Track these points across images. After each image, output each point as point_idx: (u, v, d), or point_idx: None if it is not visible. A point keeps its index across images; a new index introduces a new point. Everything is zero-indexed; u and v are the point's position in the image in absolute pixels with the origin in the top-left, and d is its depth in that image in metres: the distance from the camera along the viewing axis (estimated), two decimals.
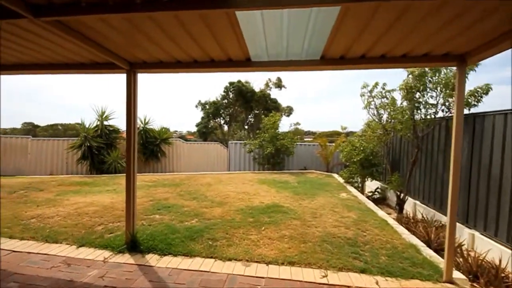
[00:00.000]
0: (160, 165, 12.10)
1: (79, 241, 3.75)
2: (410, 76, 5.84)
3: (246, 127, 23.99)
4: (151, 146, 11.55)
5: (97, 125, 11.00)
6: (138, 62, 3.54)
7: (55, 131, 37.30)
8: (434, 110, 5.80)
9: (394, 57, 3.12)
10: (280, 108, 22.42)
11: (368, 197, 7.40)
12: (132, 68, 3.55)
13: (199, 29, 2.58)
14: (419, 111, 5.96)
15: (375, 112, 7.29)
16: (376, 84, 7.09)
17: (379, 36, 2.58)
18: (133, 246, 3.56)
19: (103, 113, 11.03)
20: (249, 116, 22.98)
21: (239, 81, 21.00)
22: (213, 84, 73.33)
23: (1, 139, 11.04)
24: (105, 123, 11.09)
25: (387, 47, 2.87)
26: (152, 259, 3.34)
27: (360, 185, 8.63)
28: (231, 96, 21.70)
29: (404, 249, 3.70)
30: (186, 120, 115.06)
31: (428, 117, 5.90)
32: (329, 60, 3.20)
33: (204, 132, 23.49)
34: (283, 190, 7.26)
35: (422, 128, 6.11)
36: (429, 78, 5.59)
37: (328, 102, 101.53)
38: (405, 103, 6.27)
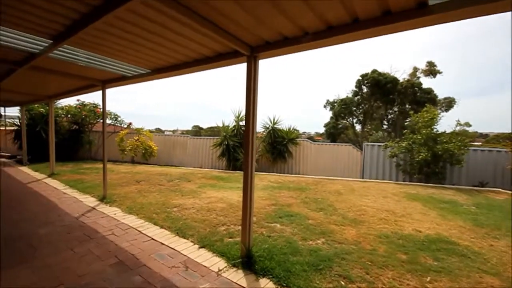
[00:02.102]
0: (286, 166, 11.92)
1: (202, 240, 3.65)
2: None
3: (385, 126, 20.34)
4: (279, 146, 11.55)
5: (234, 126, 12.19)
6: (260, 44, 2.96)
7: (213, 132, 46.57)
8: None
9: None
10: (436, 101, 17.31)
11: None
12: (253, 53, 3.02)
13: None
14: None
15: None
16: None
17: None
18: (248, 262, 3.02)
19: (239, 114, 12.09)
20: (389, 113, 19.27)
21: (374, 71, 17.98)
22: (342, 81, 68.84)
23: (171, 137, 14.46)
24: (241, 123, 12.08)
25: None
26: None
27: None
28: (364, 90, 19.00)
29: None
30: (316, 121, 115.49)
31: None
32: None
33: (333, 133, 21.94)
34: (452, 216, 4.96)
35: None
36: None
37: (499, 93, 71.69)
38: None
